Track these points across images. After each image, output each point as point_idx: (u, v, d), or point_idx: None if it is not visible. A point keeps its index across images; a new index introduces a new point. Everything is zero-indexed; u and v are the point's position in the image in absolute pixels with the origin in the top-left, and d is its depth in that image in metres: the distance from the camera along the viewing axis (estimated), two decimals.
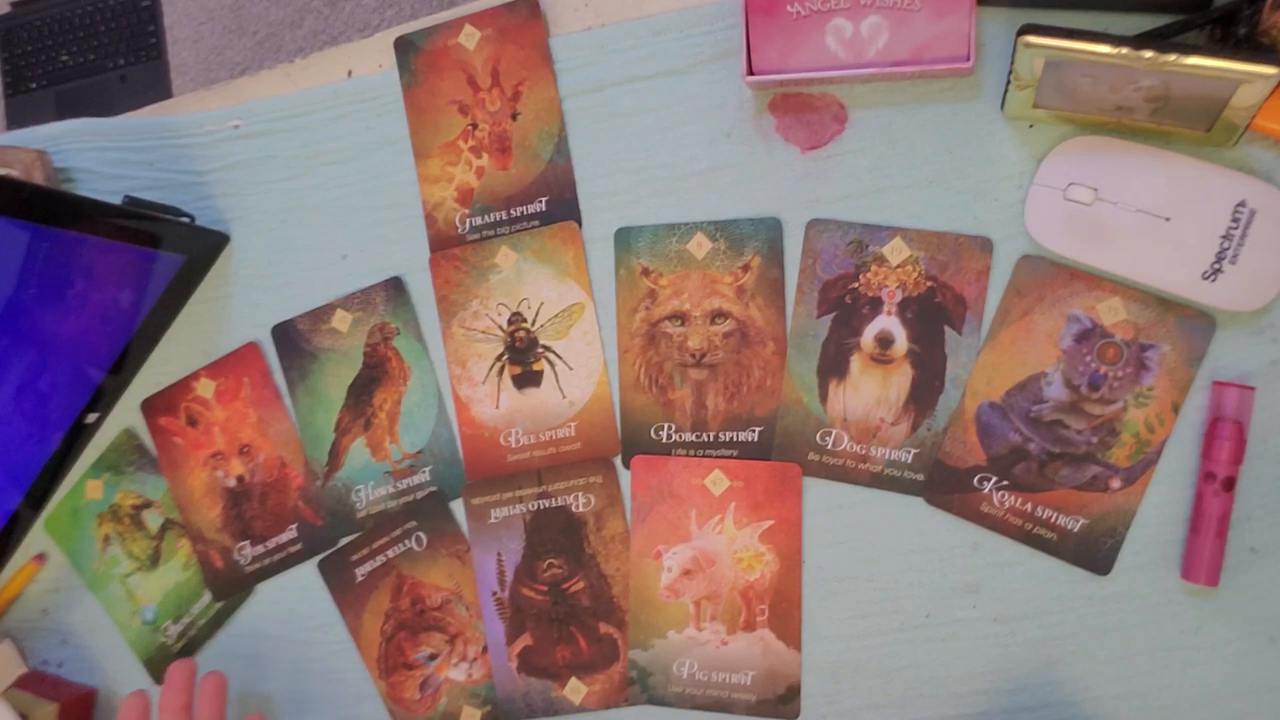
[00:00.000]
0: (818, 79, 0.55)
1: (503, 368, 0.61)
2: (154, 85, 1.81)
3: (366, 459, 0.63)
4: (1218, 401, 0.50)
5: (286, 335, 0.65)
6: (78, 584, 0.69)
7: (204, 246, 0.66)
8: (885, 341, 0.55)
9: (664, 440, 0.58)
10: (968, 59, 0.52)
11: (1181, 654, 0.51)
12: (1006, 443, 0.53)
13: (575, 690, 0.59)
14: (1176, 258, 0.49)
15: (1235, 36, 0.47)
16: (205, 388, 0.66)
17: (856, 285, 0.55)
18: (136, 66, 1.82)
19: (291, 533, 0.64)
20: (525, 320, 0.61)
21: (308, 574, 0.64)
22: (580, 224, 0.60)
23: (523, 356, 0.61)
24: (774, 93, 0.57)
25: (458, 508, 0.62)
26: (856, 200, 0.56)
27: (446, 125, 0.62)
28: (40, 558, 0.69)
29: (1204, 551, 0.49)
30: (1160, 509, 0.51)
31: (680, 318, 0.58)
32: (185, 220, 0.64)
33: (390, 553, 0.62)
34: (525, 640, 0.60)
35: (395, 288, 0.63)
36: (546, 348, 0.60)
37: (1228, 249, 0.49)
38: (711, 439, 0.58)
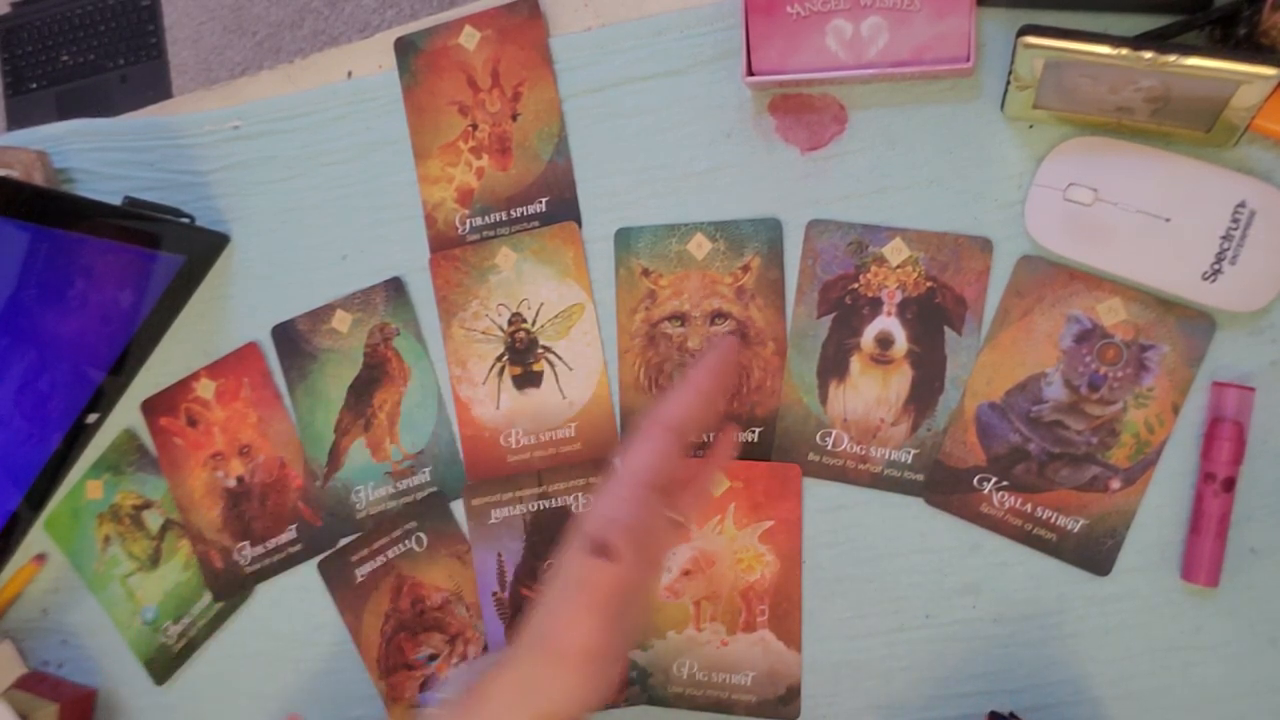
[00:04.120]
0: (818, 79, 0.55)
1: (503, 368, 0.61)
2: (154, 85, 1.81)
3: (366, 459, 0.63)
4: (1217, 402, 0.50)
5: (286, 335, 0.65)
6: (78, 584, 0.69)
7: (204, 247, 0.66)
8: (885, 342, 0.55)
9: None
10: (968, 59, 0.52)
11: (1181, 654, 0.51)
12: (1006, 443, 0.53)
13: None
14: (1176, 258, 0.49)
15: (1235, 37, 0.47)
16: (205, 388, 0.66)
17: (856, 286, 0.55)
18: (136, 66, 1.82)
19: (291, 533, 0.64)
20: (525, 321, 0.61)
21: (308, 574, 0.64)
22: (580, 224, 0.60)
23: (523, 357, 0.61)
24: (774, 93, 0.57)
25: (458, 508, 0.62)
26: (856, 200, 0.56)
27: (446, 126, 0.62)
28: (40, 558, 0.69)
29: (1204, 552, 0.49)
30: (1160, 509, 0.51)
31: (680, 318, 0.58)
32: (185, 221, 0.64)
33: (390, 553, 0.62)
34: None
35: (395, 288, 0.63)
36: (546, 348, 0.60)
37: (1228, 249, 0.49)
38: (711, 439, 0.58)
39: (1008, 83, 0.50)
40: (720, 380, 0.46)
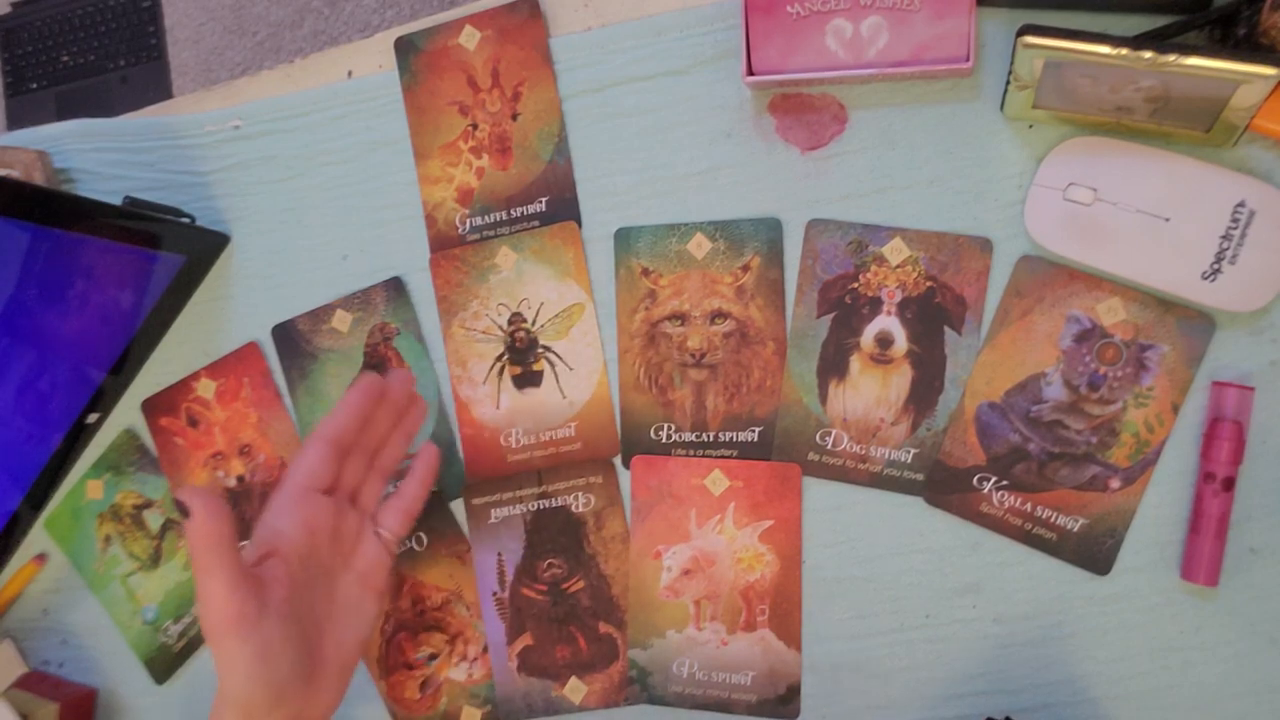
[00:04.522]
0: (818, 79, 0.55)
1: (503, 368, 0.61)
2: (154, 85, 1.81)
3: None
4: (1217, 402, 0.50)
5: (287, 335, 0.65)
6: (78, 584, 0.69)
7: (204, 247, 0.66)
8: (885, 341, 0.55)
9: (664, 440, 0.58)
10: (967, 59, 0.52)
11: (1181, 654, 0.51)
12: (1006, 443, 0.53)
13: (575, 690, 0.59)
14: (1176, 258, 0.49)
15: (1235, 37, 0.47)
16: (206, 388, 0.66)
17: (856, 285, 0.55)
18: (137, 67, 1.82)
19: None
20: (525, 320, 0.61)
21: None
22: (580, 224, 0.60)
23: (523, 357, 0.61)
24: (774, 93, 0.57)
25: (458, 508, 0.62)
26: (856, 200, 0.56)
27: (447, 126, 0.62)
28: (40, 558, 0.69)
29: (1204, 551, 0.49)
30: (1160, 509, 0.51)
31: (680, 318, 0.58)
32: (185, 221, 0.64)
33: None
34: (525, 640, 0.60)
35: (395, 288, 0.63)
36: (546, 348, 0.60)
37: (1227, 249, 0.49)
38: (711, 439, 0.58)
39: (1007, 83, 0.50)
40: (368, 398, 0.51)
